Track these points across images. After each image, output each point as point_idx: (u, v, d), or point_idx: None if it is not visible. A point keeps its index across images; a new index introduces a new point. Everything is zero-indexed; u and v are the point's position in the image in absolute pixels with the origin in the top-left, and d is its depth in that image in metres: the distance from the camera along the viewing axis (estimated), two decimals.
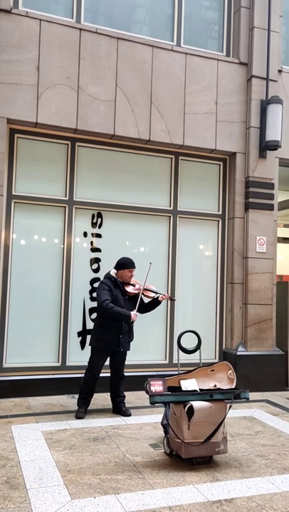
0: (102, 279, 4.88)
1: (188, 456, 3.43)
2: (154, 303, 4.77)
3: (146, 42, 5.90)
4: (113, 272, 4.74)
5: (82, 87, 5.56)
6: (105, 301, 4.48)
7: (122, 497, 2.94)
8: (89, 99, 5.58)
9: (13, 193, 5.47)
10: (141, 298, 4.66)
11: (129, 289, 4.71)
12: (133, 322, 4.56)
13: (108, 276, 4.73)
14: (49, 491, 2.98)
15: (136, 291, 4.67)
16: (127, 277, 4.70)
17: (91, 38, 5.62)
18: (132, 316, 4.48)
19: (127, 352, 4.80)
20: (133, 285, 4.75)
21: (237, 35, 6.42)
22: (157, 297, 4.72)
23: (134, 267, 4.74)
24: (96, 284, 5.75)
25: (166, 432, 3.70)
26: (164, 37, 6.22)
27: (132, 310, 4.59)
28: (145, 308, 4.82)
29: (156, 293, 4.73)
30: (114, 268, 4.77)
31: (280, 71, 6.56)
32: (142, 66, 5.85)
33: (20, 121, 5.34)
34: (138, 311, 4.75)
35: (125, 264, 4.71)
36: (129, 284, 4.74)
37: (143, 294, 4.67)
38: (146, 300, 4.78)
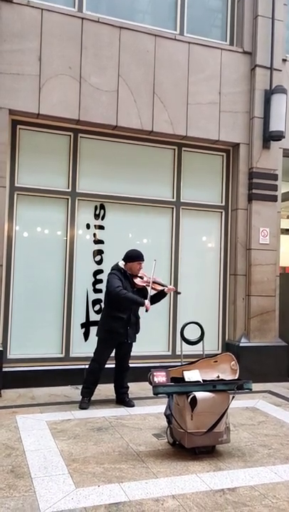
0: (105, 271, 4.89)
1: (192, 445, 3.46)
2: (160, 295, 4.78)
3: (149, 31, 5.84)
4: (121, 264, 4.74)
5: (85, 77, 5.52)
6: (118, 287, 4.50)
7: (125, 486, 2.97)
8: (91, 90, 5.54)
9: (16, 184, 5.46)
10: (149, 290, 4.67)
11: (138, 281, 4.71)
12: (147, 311, 4.54)
13: (117, 267, 4.73)
14: (54, 480, 3.02)
15: (144, 284, 4.68)
16: (136, 270, 4.71)
17: (93, 27, 5.56)
18: (146, 303, 4.49)
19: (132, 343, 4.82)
20: (141, 277, 4.76)
21: (241, 24, 6.34)
22: (163, 290, 4.73)
23: (143, 260, 4.74)
24: (99, 276, 5.76)
25: (169, 422, 3.73)
26: (166, 26, 6.15)
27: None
28: (152, 300, 4.83)
29: (163, 285, 4.74)
30: (123, 260, 4.76)
31: (284, 60, 6.49)
32: (145, 56, 5.80)
33: (22, 112, 5.31)
34: None
35: (135, 257, 4.71)
36: (137, 276, 4.75)
37: (151, 286, 4.67)
38: (152, 292, 4.79)
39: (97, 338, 4.82)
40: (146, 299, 4.61)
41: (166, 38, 5.91)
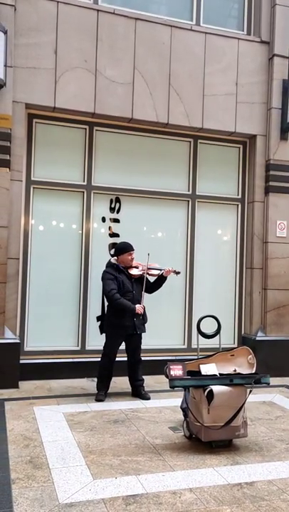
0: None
1: (208, 439, 3.45)
2: (160, 279, 4.81)
3: (164, 22, 5.77)
4: (113, 260, 4.79)
5: (100, 70, 5.50)
6: (111, 291, 4.54)
7: (142, 478, 2.98)
8: (107, 83, 5.52)
9: (32, 178, 5.48)
10: (146, 278, 4.74)
11: (134, 271, 4.77)
12: (139, 315, 4.61)
13: (110, 264, 4.77)
14: (71, 471, 3.05)
15: (141, 272, 4.75)
16: (128, 261, 4.73)
17: (109, 19, 5.52)
18: (137, 309, 4.54)
19: (145, 336, 4.83)
20: (136, 267, 4.81)
21: (258, 13, 6.22)
22: (162, 274, 4.74)
23: (133, 249, 4.77)
24: None
25: (185, 415, 3.73)
26: (182, 16, 6.07)
27: (141, 292, 4.70)
28: (152, 287, 4.85)
29: (160, 270, 4.77)
30: (114, 255, 4.80)
31: None
32: (161, 47, 5.74)
33: (39, 105, 5.32)
34: (146, 291, 4.81)
35: (124, 249, 4.75)
36: (132, 267, 4.77)
37: (147, 273, 4.74)
38: (152, 279, 4.81)
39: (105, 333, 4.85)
40: (147, 286, 4.70)
41: (182, 28, 5.83)
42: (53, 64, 5.31)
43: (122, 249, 4.76)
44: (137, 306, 4.57)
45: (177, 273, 4.90)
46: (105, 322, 4.86)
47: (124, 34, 5.59)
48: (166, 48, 5.76)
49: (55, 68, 5.32)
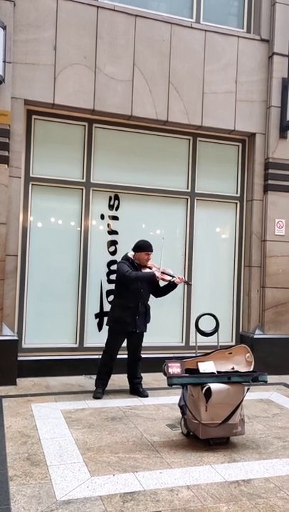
0: (118, 261, 4.89)
1: (206, 437, 3.46)
2: (170, 286, 4.75)
3: (164, 19, 5.75)
4: (131, 254, 4.75)
5: (100, 67, 5.48)
6: (128, 271, 4.54)
7: (140, 475, 2.99)
8: (106, 79, 5.50)
9: (31, 175, 5.47)
10: (157, 281, 4.68)
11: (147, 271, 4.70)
12: (158, 280, 4.57)
13: (126, 257, 4.75)
14: (69, 468, 3.05)
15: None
16: (144, 260, 4.70)
17: (108, 15, 5.50)
18: (157, 274, 4.53)
19: (144, 334, 4.83)
20: (150, 268, 4.74)
21: (258, 11, 6.21)
22: (173, 281, 4.70)
23: (152, 250, 4.73)
24: (113, 267, 5.76)
25: (183, 413, 3.73)
26: (182, 14, 6.06)
27: (149, 291, 4.71)
28: (161, 292, 4.83)
29: (172, 276, 4.71)
30: (132, 250, 4.77)
31: None
32: (161, 44, 5.72)
33: (38, 102, 5.30)
34: (154, 294, 4.79)
35: (142, 247, 4.71)
36: (146, 266, 4.73)
37: (160, 277, 4.65)
38: (162, 284, 4.77)
39: (107, 329, 4.84)
40: (157, 289, 4.69)
41: (182, 26, 5.82)
42: (52, 60, 5.29)
43: (140, 247, 4.73)
44: (155, 271, 4.56)
45: (189, 284, 4.91)
46: (108, 317, 4.86)
47: (124, 31, 5.57)
48: (166, 45, 5.75)
49: (55, 64, 5.30)
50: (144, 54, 5.65)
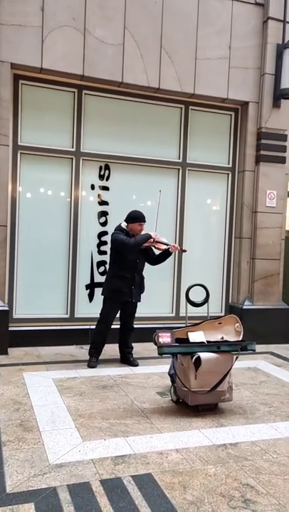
0: (109, 232, 4.88)
1: (195, 403, 3.54)
2: (165, 254, 4.78)
3: None
4: (124, 225, 4.72)
5: (89, 30, 5.27)
6: (126, 239, 4.54)
7: (131, 439, 3.07)
8: (96, 43, 5.31)
9: (19, 143, 5.34)
10: (152, 249, 4.72)
11: None
12: (154, 240, 4.61)
13: (120, 228, 4.72)
14: (61, 434, 3.12)
15: (147, 244, 4.66)
16: (137, 231, 4.68)
17: None
18: (153, 235, 4.59)
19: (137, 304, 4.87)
20: None
21: None
22: (168, 249, 4.71)
23: (145, 221, 4.71)
24: (104, 238, 5.74)
25: (173, 381, 3.81)
26: None
27: (144, 262, 4.78)
28: (156, 260, 4.85)
29: (167, 244, 4.73)
30: (125, 221, 4.73)
31: None
32: (153, 6, 5.51)
33: (25, 66, 5.11)
34: (149, 262, 4.83)
35: (135, 218, 4.68)
36: None
37: (154, 246, 4.69)
38: (157, 252, 4.79)
39: (102, 298, 4.86)
40: (152, 258, 4.74)
41: None
42: (40, 22, 5.08)
43: (133, 217, 4.69)
44: (150, 233, 4.60)
45: (183, 251, 4.94)
46: (103, 287, 4.87)
47: None
48: (159, 8, 5.53)
49: (42, 26, 5.09)
50: (135, 16, 5.44)
